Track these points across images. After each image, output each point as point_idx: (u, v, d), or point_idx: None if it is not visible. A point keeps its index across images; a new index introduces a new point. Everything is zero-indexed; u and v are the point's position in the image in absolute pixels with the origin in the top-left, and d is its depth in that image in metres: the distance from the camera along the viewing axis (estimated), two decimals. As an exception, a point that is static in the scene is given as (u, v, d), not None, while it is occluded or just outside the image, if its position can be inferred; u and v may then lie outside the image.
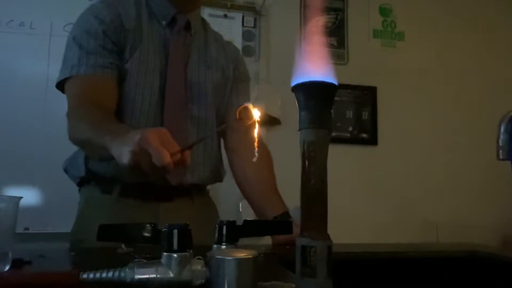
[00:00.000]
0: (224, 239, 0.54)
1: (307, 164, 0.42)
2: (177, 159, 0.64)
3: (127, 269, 0.43)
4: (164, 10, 1.03)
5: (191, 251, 0.44)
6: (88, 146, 0.88)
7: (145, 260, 0.44)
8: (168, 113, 0.96)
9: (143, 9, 1.03)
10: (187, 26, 1.05)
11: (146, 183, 0.92)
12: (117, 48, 0.97)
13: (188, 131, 0.99)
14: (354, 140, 2.50)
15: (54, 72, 2.20)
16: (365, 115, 2.53)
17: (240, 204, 2.19)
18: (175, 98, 0.98)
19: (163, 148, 0.61)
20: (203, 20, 1.16)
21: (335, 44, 2.55)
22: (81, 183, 1.03)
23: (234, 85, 1.14)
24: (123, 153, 0.65)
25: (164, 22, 1.03)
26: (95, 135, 0.77)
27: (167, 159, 0.61)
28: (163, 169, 0.62)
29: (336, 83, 0.42)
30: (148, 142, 0.62)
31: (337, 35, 2.56)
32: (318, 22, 0.45)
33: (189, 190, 1.00)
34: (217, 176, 1.10)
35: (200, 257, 0.44)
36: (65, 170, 1.05)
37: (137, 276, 0.42)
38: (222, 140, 1.15)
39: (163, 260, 0.44)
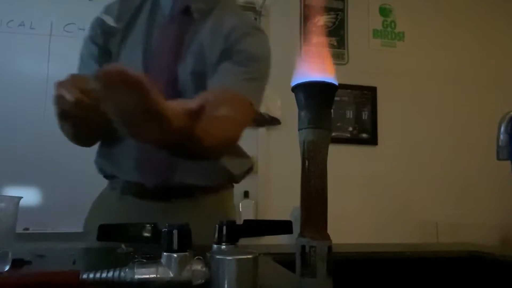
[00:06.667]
0: (224, 239, 0.54)
1: (307, 164, 0.42)
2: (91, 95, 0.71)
3: (127, 269, 0.43)
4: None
5: (191, 251, 0.44)
6: (61, 125, 0.89)
7: (145, 260, 0.44)
8: None
9: (147, 2, 0.98)
10: (186, 12, 0.95)
11: (142, 182, 0.93)
12: (102, 51, 0.96)
13: None
14: (354, 140, 2.50)
15: (54, 72, 2.22)
16: (365, 115, 2.53)
17: (240, 204, 2.19)
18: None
19: (71, 86, 0.72)
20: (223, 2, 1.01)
21: (335, 44, 2.55)
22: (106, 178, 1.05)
23: (218, 68, 0.92)
24: (54, 100, 0.75)
25: (166, 12, 0.96)
26: None
27: (75, 94, 0.70)
28: (77, 103, 0.70)
29: (336, 83, 0.42)
30: (61, 85, 0.72)
31: (337, 35, 2.56)
32: (318, 22, 0.45)
33: (192, 191, 0.96)
34: (214, 178, 0.99)
35: (200, 257, 0.44)
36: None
37: (137, 276, 0.42)
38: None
39: (163, 260, 0.44)
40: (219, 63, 0.92)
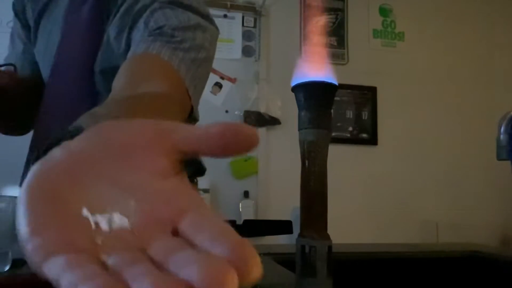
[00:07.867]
0: (224, 239, 0.54)
1: (307, 164, 0.42)
2: None
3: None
4: None
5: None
6: None
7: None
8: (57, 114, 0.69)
9: None
10: None
11: None
12: (25, 30, 0.81)
13: None
14: (354, 140, 2.50)
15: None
16: (365, 115, 2.53)
17: (240, 204, 2.19)
18: (62, 94, 0.71)
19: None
20: None
21: (335, 44, 2.55)
22: None
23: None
24: None
25: None
26: None
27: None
28: None
29: (336, 83, 0.42)
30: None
31: (337, 35, 2.56)
32: (318, 22, 0.45)
33: None
34: None
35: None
36: None
37: (137, 276, 0.42)
38: None
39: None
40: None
